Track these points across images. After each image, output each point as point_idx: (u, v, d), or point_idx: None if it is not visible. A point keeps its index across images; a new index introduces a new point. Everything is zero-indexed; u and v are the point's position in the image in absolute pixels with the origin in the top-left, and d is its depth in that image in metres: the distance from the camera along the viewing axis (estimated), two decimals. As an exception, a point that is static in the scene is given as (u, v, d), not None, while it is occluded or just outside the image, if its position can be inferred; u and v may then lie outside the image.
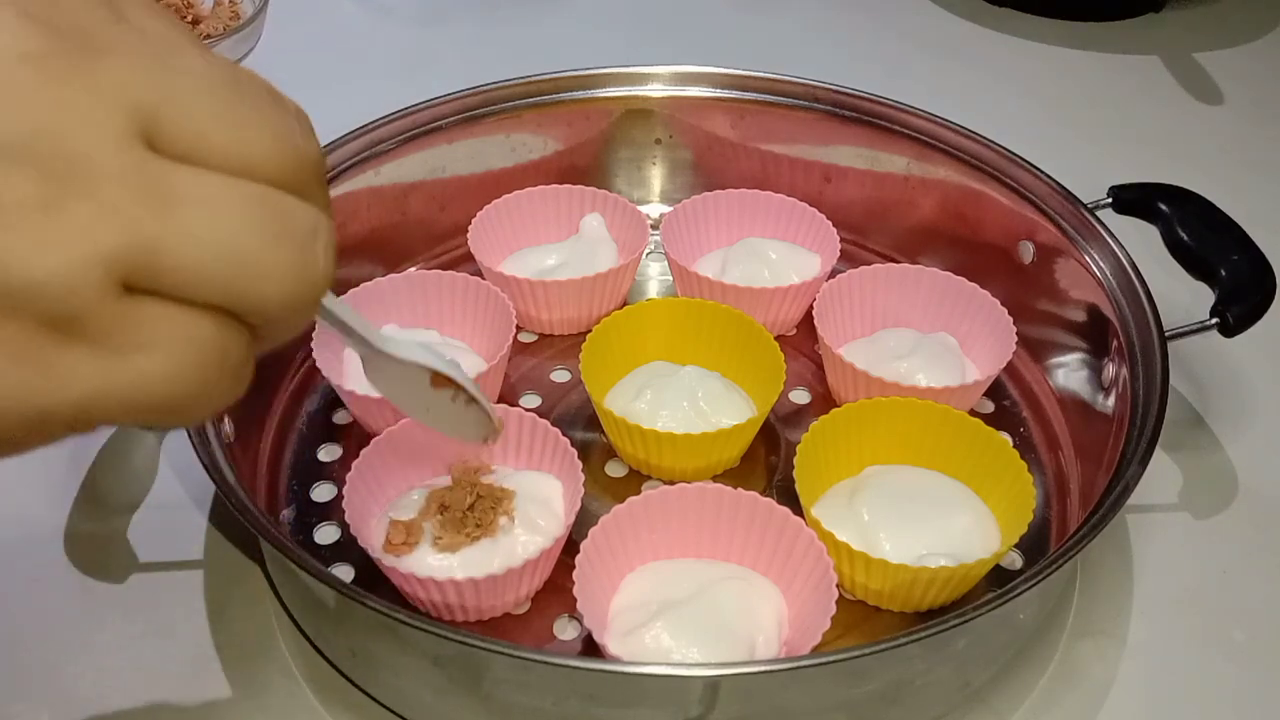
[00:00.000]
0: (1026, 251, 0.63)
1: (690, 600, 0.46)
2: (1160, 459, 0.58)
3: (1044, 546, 0.53)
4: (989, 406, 0.60)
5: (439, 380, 0.40)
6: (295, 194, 0.25)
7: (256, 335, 0.25)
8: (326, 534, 0.53)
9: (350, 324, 0.33)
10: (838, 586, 0.45)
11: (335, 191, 0.62)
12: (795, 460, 0.50)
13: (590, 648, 0.46)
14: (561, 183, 0.67)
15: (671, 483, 0.51)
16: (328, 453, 0.57)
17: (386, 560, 0.47)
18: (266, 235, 0.24)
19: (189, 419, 0.24)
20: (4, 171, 0.21)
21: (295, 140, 0.25)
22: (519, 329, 0.62)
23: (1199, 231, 0.57)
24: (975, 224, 0.65)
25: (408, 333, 0.58)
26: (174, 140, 0.23)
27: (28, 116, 0.21)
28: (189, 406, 0.24)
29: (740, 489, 0.48)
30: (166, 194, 0.22)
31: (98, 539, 0.53)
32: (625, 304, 0.65)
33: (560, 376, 0.62)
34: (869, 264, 0.62)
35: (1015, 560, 0.52)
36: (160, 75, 0.23)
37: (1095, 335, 0.57)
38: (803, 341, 0.64)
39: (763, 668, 0.40)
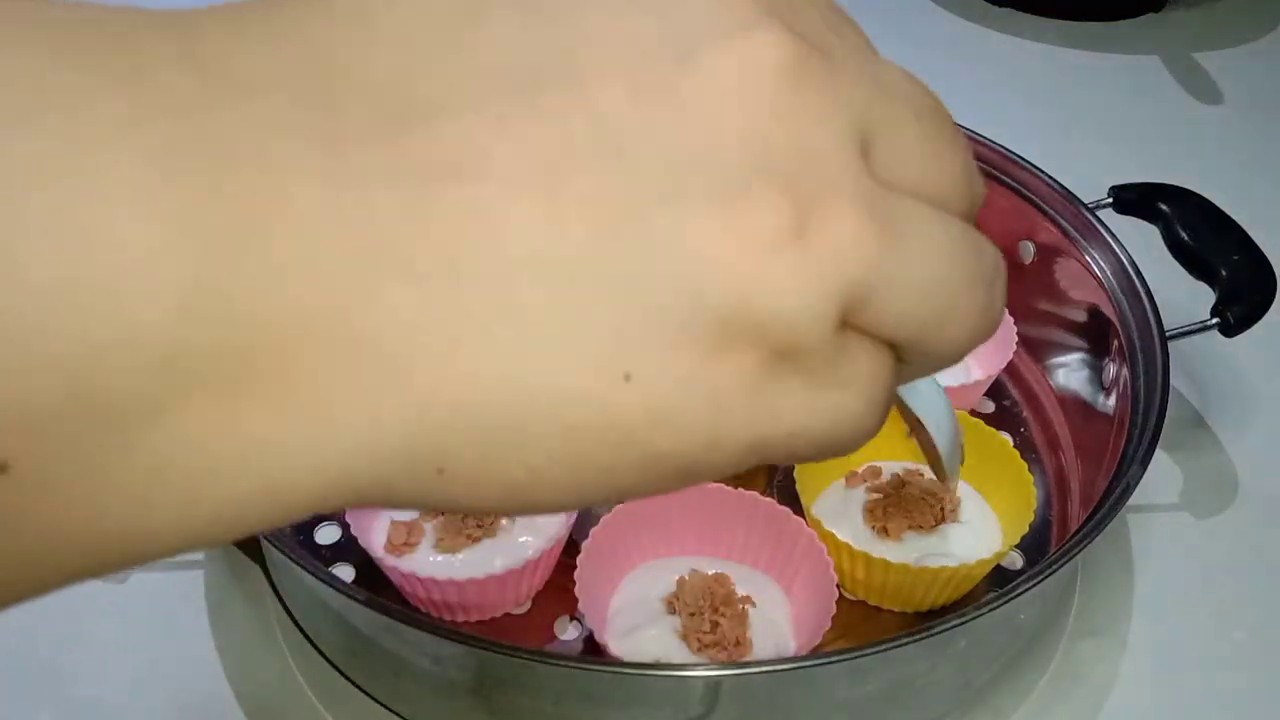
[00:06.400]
0: (1026, 251, 0.63)
1: (690, 600, 0.46)
2: (1160, 459, 0.58)
3: (1044, 546, 0.53)
4: (989, 406, 0.60)
5: None
6: None
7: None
8: (326, 534, 0.53)
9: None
10: (838, 586, 0.45)
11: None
12: (795, 460, 0.50)
13: (590, 648, 0.46)
14: (561, 183, 0.67)
15: (671, 483, 0.51)
16: (328, 453, 0.57)
17: (387, 560, 0.47)
18: (965, 276, 0.21)
19: (841, 455, 0.21)
20: (764, 190, 0.17)
21: (975, 176, 0.23)
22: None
23: (1199, 231, 0.57)
24: (975, 224, 0.65)
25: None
26: (882, 164, 0.20)
27: (787, 132, 0.18)
28: (855, 445, 0.21)
29: (740, 489, 0.48)
30: (896, 225, 0.19)
31: (98, 539, 0.53)
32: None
33: (560, 376, 0.62)
34: (869, 264, 0.62)
35: (1016, 560, 0.52)
36: (877, 92, 0.20)
37: (1095, 335, 0.57)
38: (803, 341, 0.63)
39: (763, 668, 0.40)
